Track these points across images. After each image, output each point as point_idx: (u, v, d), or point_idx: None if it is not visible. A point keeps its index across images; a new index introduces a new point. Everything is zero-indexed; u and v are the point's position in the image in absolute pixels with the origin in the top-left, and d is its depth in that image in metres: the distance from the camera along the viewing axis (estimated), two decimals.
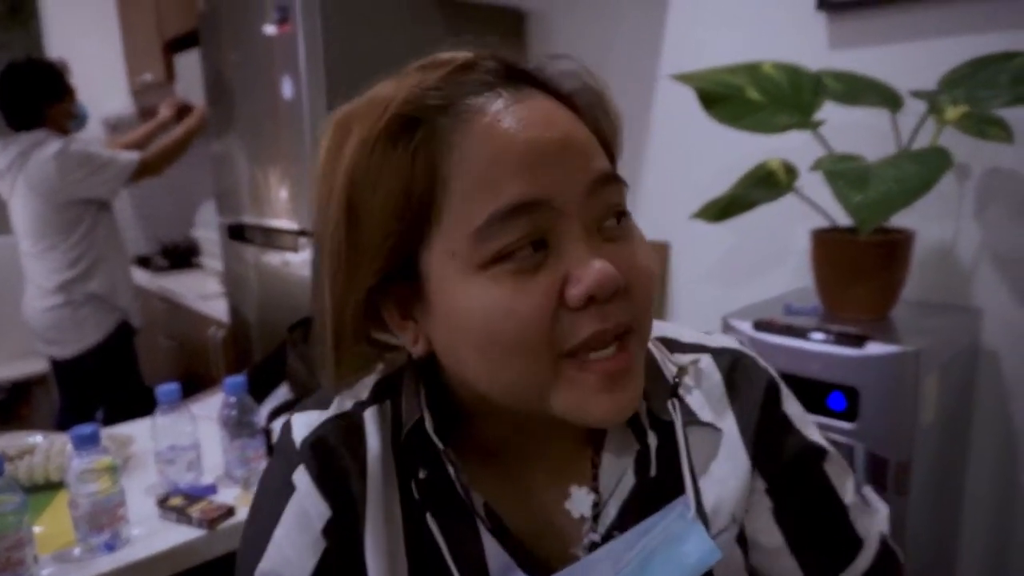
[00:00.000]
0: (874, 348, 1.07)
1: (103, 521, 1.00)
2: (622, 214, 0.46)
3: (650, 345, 0.53)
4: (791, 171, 1.26)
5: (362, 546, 0.50)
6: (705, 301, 1.69)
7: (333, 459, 0.51)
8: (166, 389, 1.17)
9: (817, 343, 1.11)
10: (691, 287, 1.74)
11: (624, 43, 1.76)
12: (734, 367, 0.56)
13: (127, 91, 3.44)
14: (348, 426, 0.52)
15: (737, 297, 1.48)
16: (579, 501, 0.52)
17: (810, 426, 0.57)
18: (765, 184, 1.26)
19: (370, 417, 0.52)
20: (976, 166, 1.26)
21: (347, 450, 0.51)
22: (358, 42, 1.69)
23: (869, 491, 0.63)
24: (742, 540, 0.55)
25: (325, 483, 0.50)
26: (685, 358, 0.57)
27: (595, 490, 0.53)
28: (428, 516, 0.50)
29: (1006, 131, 1.06)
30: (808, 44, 1.42)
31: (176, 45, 2.85)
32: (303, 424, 0.53)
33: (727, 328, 1.24)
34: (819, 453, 0.56)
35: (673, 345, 0.58)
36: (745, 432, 0.54)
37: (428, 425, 0.50)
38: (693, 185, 1.54)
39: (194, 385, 1.97)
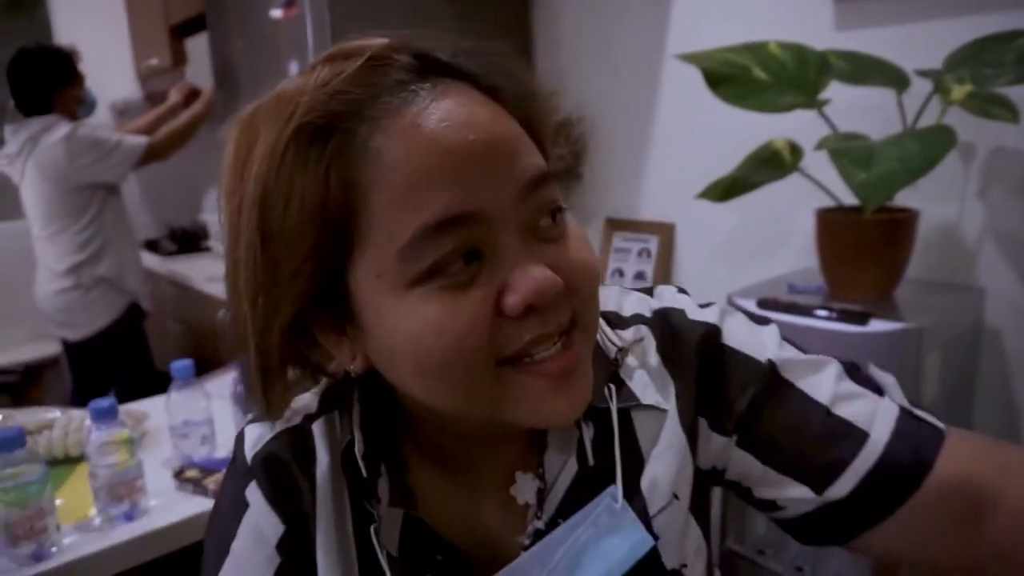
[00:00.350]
0: (877, 325, 1.08)
1: (122, 492, 1.03)
2: (557, 210, 0.43)
3: None
4: (796, 151, 1.26)
5: (315, 560, 0.50)
6: (710, 281, 1.71)
7: (284, 474, 0.50)
8: (180, 365, 1.20)
9: (820, 320, 1.12)
10: (696, 267, 1.75)
11: (630, 25, 1.76)
12: (665, 332, 0.53)
13: (134, 76, 3.45)
14: (297, 440, 0.51)
15: (742, 277, 1.49)
16: (524, 487, 0.52)
17: (764, 344, 0.53)
18: (770, 164, 1.26)
19: (318, 430, 0.51)
20: (981, 145, 1.27)
21: (297, 465, 0.50)
22: (365, 25, 1.69)
23: (873, 369, 0.56)
24: (702, 512, 0.54)
25: (277, 499, 0.50)
26: (628, 334, 0.54)
27: (540, 477, 0.52)
28: (372, 530, 0.49)
29: (1011, 110, 1.07)
30: (814, 25, 1.42)
31: (186, 29, 2.86)
32: (254, 437, 0.52)
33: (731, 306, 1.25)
34: (771, 368, 0.52)
35: (615, 320, 0.55)
36: (683, 404, 0.52)
37: (357, 449, 0.49)
38: (698, 165, 1.55)
39: (204, 367, 1.99)
